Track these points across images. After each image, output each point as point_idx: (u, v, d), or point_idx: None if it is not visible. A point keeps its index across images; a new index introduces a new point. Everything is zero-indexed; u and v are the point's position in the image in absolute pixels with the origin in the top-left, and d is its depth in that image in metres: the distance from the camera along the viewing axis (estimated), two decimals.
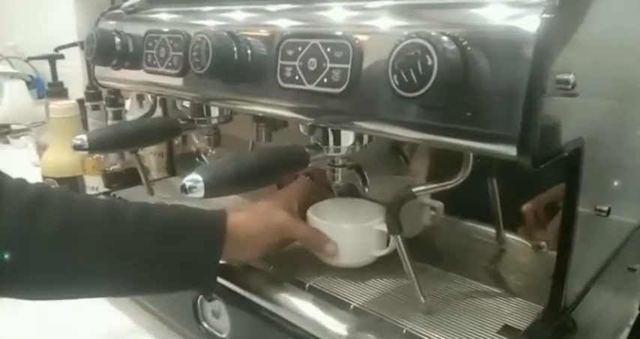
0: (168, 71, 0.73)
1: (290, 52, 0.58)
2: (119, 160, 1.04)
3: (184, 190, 0.50)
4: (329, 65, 0.54)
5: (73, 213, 0.55)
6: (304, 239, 0.66)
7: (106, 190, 1.03)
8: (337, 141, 0.61)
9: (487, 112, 0.44)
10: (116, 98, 1.02)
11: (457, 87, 0.43)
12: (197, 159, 0.93)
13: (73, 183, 1.10)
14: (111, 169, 1.04)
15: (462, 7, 0.47)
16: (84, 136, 0.68)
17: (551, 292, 0.58)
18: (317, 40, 0.55)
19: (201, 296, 0.72)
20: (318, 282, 0.65)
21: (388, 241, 0.65)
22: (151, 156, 1.10)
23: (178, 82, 0.73)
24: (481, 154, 0.46)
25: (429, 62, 0.42)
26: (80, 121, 1.14)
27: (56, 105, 1.11)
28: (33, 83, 2.15)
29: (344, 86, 0.53)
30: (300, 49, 0.57)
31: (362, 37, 0.52)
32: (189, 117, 0.77)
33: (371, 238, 0.65)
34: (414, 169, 0.77)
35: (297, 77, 0.57)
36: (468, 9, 0.46)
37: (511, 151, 0.43)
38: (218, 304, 0.70)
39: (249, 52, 0.63)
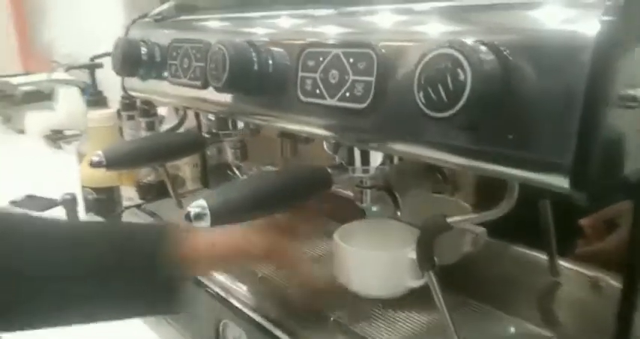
0: (191, 83, 0.69)
1: (311, 64, 0.52)
2: (153, 172, 1.00)
3: (189, 218, 0.45)
4: (351, 77, 0.47)
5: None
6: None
7: (140, 202, 1.00)
8: (365, 161, 0.54)
9: (532, 133, 0.36)
10: (149, 109, 0.99)
11: (496, 105, 0.36)
12: (229, 171, 0.89)
13: (110, 193, 1.07)
14: (145, 180, 1.01)
15: (503, 9, 0.39)
16: (101, 153, 0.64)
17: (614, 336, 0.49)
18: (339, 50, 0.49)
19: (224, 320, 0.67)
20: (344, 316, 0.58)
21: None
22: (185, 166, 1.07)
23: (201, 94, 0.68)
24: (525, 183, 0.38)
25: (461, 77, 0.35)
26: (118, 131, 1.12)
27: (93, 114, 1.10)
28: (86, 90, 2.18)
29: (367, 101, 0.46)
30: (321, 59, 0.50)
31: (388, 46, 0.45)
32: (214, 130, 0.72)
33: (404, 268, 0.58)
34: (454, 188, 0.69)
35: (317, 91, 0.51)
36: (510, 11, 0.38)
37: (562, 182, 0.35)
38: (239, 332, 0.64)
39: (270, 62, 0.57)
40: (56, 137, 1.93)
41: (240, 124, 0.72)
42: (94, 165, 0.63)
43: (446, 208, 0.67)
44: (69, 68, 1.86)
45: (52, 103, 2.13)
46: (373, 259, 0.58)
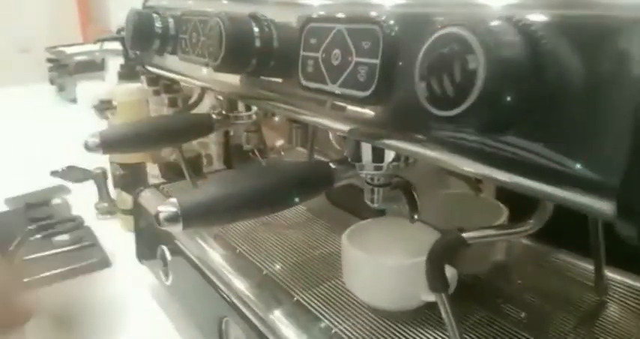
0: (198, 59, 0.62)
1: (313, 41, 0.43)
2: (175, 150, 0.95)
3: (157, 221, 0.38)
4: (354, 59, 0.39)
5: None
6: None
7: (162, 180, 0.95)
8: (376, 157, 0.45)
9: (567, 141, 0.27)
10: (171, 84, 0.93)
11: (518, 103, 0.27)
12: (251, 154, 0.82)
13: (136, 170, 1.03)
14: (168, 159, 0.96)
15: None
16: (98, 134, 0.59)
17: None
18: (342, 26, 0.40)
19: (226, 318, 0.61)
20: (349, 328, 0.51)
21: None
22: (212, 145, 1.01)
23: (207, 72, 0.61)
24: (556, 202, 0.29)
25: (472, 65, 0.26)
26: (146, 106, 1.07)
27: (120, 88, 1.05)
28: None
29: (371, 89, 0.37)
30: (323, 36, 0.42)
31: (398, 22, 0.36)
32: (223, 112, 0.65)
33: (419, 279, 0.49)
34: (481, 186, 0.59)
35: (319, 74, 0.42)
36: None
37: (605, 207, 0.26)
38: (239, 331, 0.59)
39: (274, 37, 0.49)
40: (104, 107, 1.93)
41: (253, 107, 0.64)
42: (89, 147, 0.58)
43: (474, 207, 0.58)
44: (98, 41, 1.83)
45: (103, 73, 2.13)
46: (386, 268, 0.50)
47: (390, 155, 0.46)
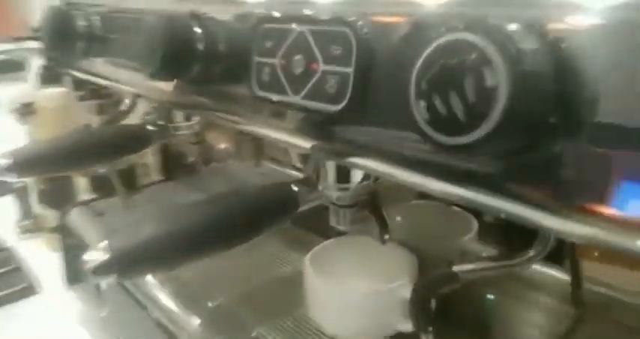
0: (131, 64, 0.54)
1: (268, 45, 0.37)
2: None
3: (84, 274, 0.31)
4: (321, 68, 0.33)
5: None
6: None
7: (93, 195, 0.85)
8: (341, 177, 0.40)
9: (606, 176, 0.22)
10: (99, 88, 0.83)
11: (546, 127, 0.22)
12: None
13: (63, 184, 0.92)
14: (100, 170, 0.86)
15: None
16: (8, 155, 0.49)
17: None
18: (305, 28, 0.34)
19: None
20: None
21: None
22: (149, 154, 0.92)
23: (142, 77, 0.53)
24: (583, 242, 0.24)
25: (491, 80, 0.21)
26: (72, 112, 0.96)
27: (42, 92, 0.94)
28: None
29: (343, 102, 0.31)
30: (282, 39, 0.36)
31: (374, 25, 0.30)
32: (161, 122, 0.58)
33: (394, 307, 0.44)
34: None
35: (277, 83, 0.36)
36: None
37: None
38: None
39: (220, 39, 0.42)
40: (25, 111, 1.77)
41: (196, 117, 0.57)
42: None
43: (442, 218, 0.53)
44: (19, 39, 1.67)
45: (25, 74, 1.95)
46: (355, 297, 0.45)
47: (357, 175, 0.40)
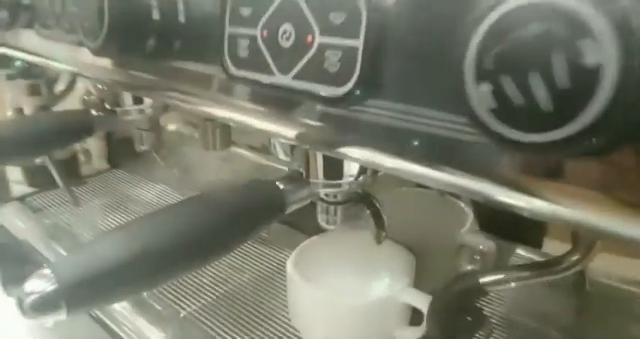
0: (68, 37, 0.45)
1: (246, 12, 0.30)
2: None
3: (21, 309, 0.24)
4: (318, 40, 0.26)
5: None
6: None
7: (29, 189, 0.76)
8: (334, 172, 0.34)
9: None
10: (29, 66, 0.73)
11: None
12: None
13: None
14: (36, 160, 0.76)
15: None
16: None
17: None
18: None
19: None
20: None
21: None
22: (91, 139, 0.83)
23: (81, 54, 0.45)
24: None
25: (592, 58, 0.15)
26: None
27: None
28: None
29: (349, 84, 0.25)
30: (263, 5, 0.29)
31: None
32: (107, 106, 0.50)
33: (391, 314, 0.39)
34: None
35: (259, 60, 0.29)
36: None
37: None
38: None
39: (180, 7, 0.35)
40: None
41: (148, 99, 0.49)
42: None
43: (434, 209, 0.48)
44: None
45: None
46: (348, 307, 0.39)
47: (353, 168, 0.34)
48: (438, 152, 0.23)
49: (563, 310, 0.45)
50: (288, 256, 0.43)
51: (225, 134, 0.47)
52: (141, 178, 0.73)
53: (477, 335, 0.38)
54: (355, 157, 0.28)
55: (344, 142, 0.28)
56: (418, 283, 0.40)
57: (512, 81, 0.17)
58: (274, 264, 0.54)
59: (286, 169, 0.37)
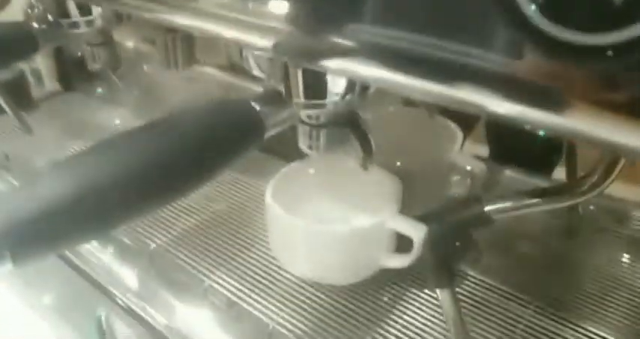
0: None
1: None
2: None
3: None
4: None
5: None
6: None
7: None
8: (318, 90, 0.30)
9: None
10: None
11: None
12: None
13: None
14: None
15: None
16: None
17: None
18: None
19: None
20: (290, 319, 0.38)
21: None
22: (40, 57, 0.75)
23: None
24: None
25: None
26: None
27: None
28: None
29: None
30: None
31: None
32: (51, 17, 0.43)
33: (378, 242, 0.37)
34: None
35: None
36: None
37: None
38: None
39: None
40: None
41: (97, 9, 0.43)
42: None
43: (423, 127, 0.45)
44: None
45: None
46: (332, 236, 0.37)
47: (339, 84, 0.30)
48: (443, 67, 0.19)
49: (555, 234, 0.43)
50: (265, 184, 0.39)
51: (188, 50, 0.42)
52: (98, 101, 0.67)
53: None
54: (342, 69, 0.24)
55: (329, 52, 0.24)
56: (405, 207, 0.38)
57: None
58: (251, 192, 0.50)
59: (261, 89, 0.33)
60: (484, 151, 0.51)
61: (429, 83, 0.21)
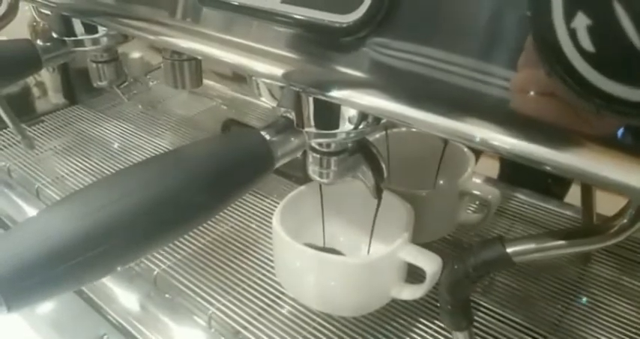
0: None
1: None
2: None
3: None
4: None
5: None
6: None
7: None
8: (330, 119, 0.28)
9: None
10: None
11: None
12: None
13: None
14: None
15: None
16: None
17: None
18: None
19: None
20: None
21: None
22: (45, 71, 0.74)
23: None
24: None
25: None
26: None
27: None
28: None
29: (358, 11, 0.20)
30: None
31: None
32: (55, 35, 0.42)
33: (388, 273, 0.36)
34: None
35: None
36: None
37: None
38: None
39: None
40: None
41: (103, 28, 0.42)
42: None
43: (431, 150, 0.44)
44: None
45: None
46: (344, 268, 0.35)
47: (352, 112, 0.29)
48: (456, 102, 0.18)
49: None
50: (272, 203, 0.38)
51: (196, 70, 0.41)
52: (103, 115, 0.66)
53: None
54: (357, 102, 0.23)
55: (343, 83, 0.23)
56: (414, 233, 0.36)
57: (624, 10, 0.11)
58: (258, 212, 0.49)
59: (266, 103, 0.32)
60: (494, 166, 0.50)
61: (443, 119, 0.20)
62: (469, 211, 0.47)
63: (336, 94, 0.23)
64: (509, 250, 0.24)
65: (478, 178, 0.48)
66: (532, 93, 0.15)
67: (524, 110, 0.16)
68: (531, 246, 0.24)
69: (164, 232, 0.24)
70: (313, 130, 0.28)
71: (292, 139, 0.29)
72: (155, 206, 0.23)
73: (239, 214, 0.48)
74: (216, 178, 0.25)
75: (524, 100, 0.16)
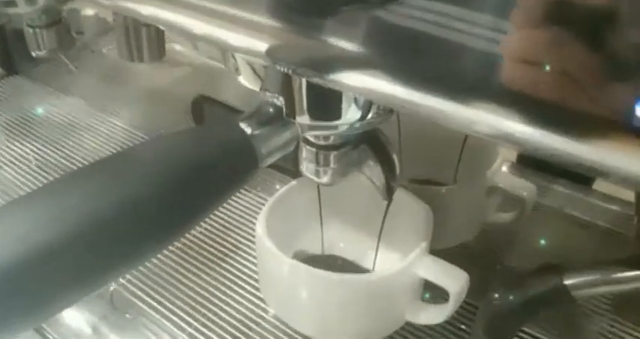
0: None
1: None
2: None
3: None
4: None
5: None
6: None
7: None
8: (329, 107, 0.25)
9: None
10: None
11: None
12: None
13: None
14: None
15: None
16: None
17: None
18: None
19: None
20: None
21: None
22: None
23: None
24: None
25: None
26: None
27: None
28: None
29: None
30: None
31: None
32: None
33: (404, 293, 0.33)
34: None
35: None
36: None
37: None
38: None
39: None
40: None
41: None
42: None
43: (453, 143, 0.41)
44: None
45: None
46: (348, 288, 0.32)
47: (356, 100, 0.25)
48: None
49: None
50: (255, 199, 0.35)
51: (157, 36, 0.37)
52: (47, 87, 0.62)
53: None
54: (363, 87, 0.20)
55: (344, 62, 0.20)
56: (433, 239, 0.34)
57: None
58: (239, 210, 0.46)
59: (246, 84, 0.28)
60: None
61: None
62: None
63: (335, 76, 0.20)
64: (568, 281, 0.21)
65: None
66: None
67: None
68: (596, 277, 0.21)
69: (123, 254, 0.20)
70: (307, 121, 0.25)
71: (281, 131, 0.25)
72: (107, 221, 0.20)
73: (215, 213, 0.45)
74: (183, 188, 0.22)
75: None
